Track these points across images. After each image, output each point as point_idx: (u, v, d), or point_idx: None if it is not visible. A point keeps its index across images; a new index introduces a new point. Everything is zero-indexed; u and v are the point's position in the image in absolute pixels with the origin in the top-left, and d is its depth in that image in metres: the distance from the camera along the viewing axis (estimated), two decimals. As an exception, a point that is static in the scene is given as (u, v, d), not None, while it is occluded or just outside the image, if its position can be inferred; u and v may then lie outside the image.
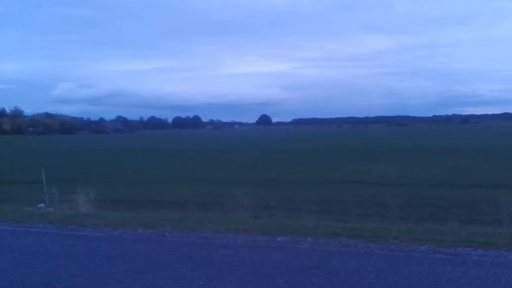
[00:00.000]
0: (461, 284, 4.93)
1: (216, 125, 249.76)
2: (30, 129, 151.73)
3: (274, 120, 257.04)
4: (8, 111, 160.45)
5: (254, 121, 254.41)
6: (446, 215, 10.47)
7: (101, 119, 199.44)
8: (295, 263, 5.84)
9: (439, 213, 12.22)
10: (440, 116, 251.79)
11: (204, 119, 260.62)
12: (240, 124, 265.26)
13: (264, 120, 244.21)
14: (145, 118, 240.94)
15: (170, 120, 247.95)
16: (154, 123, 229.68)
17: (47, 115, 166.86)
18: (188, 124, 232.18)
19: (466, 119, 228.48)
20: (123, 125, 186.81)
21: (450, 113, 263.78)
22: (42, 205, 11.72)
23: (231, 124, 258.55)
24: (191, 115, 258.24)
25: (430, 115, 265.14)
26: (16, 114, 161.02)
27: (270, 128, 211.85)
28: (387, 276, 5.24)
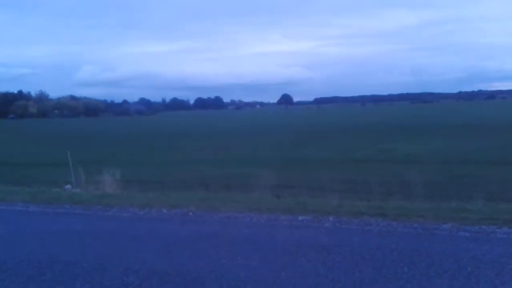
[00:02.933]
0: (485, 262, 4.88)
1: (238, 105, 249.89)
2: (56, 112, 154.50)
3: (295, 99, 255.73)
4: (33, 95, 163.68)
5: (275, 100, 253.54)
6: (471, 193, 10.33)
7: (125, 101, 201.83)
8: (317, 242, 5.87)
9: (464, 190, 12.08)
10: (465, 92, 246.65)
11: (226, 99, 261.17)
12: (261, 104, 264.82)
13: (286, 99, 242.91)
14: (167, 99, 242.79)
15: (192, 101, 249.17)
16: (176, 105, 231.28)
17: (72, 98, 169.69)
18: (210, 105, 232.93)
19: (492, 95, 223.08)
20: (146, 107, 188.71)
21: (476, 89, 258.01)
22: (68, 186, 11.99)
23: (253, 104, 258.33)
24: (212, 96, 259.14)
25: (456, 91, 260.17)
26: (42, 98, 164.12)
27: (292, 107, 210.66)
28: (410, 254, 5.22)
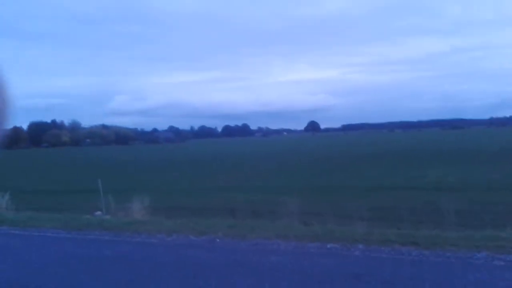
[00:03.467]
0: (523, 293, 4.70)
1: (265, 132, 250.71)
2: (88, 140, 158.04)
3: (322, 126, 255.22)
4: (66, 124, 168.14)
5: (302, 127, 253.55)
6: (506, 221, 10.01)
7: (154, 130, 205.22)
8: (347, 270, 5.76)
9: (498, 219, 11.69)
10: (497, 118, 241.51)
11: (253, 126, 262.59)
12: (288, 131, 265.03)
13: (313, 126, 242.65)
14: (196, 127, 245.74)
15: (219, 129, 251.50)
16: (204, 132, 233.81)
17: (103, 126, 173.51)
18: (237, 132, 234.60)
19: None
20: (174, 135, 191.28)
21: (508, 115, 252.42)
22: (99, 212, 12.17)
23: (279, 131, 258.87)
24: (240, 123, 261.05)
25: (487, 117, 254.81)
26: (74, 127, 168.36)
27: (319, 135, 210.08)
28: (443, 284, 5.07)
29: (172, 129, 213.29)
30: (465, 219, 11.02)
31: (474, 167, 31.25)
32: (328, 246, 7.02)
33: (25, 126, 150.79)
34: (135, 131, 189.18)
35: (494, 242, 6.59)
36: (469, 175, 26.49)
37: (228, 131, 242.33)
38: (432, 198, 15.92)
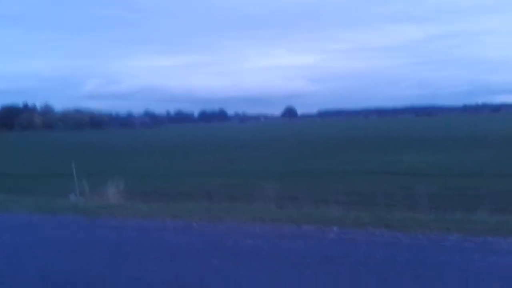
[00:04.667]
0: (491, 273, 4.83)
1: (242, 117, 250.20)
2: (60, 124, 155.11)
3: (299, 112, 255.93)
4: (38, 107, 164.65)
5: (279, 113, 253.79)
6: (477, 205, 10.25)
7: (129, 114, 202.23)
8: (321, 252, 5.83)
9: (470, 202, 11.97)
10: (470, 105, 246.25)
11: (230, 112, 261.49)
12: (265, 116, 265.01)
13: (290, 112, 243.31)
14: (172, 112, 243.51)
15: (196, 114, 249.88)
16: (181, 117, 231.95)
17: (76, 110, 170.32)
18: (214, 118, 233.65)
19: (497, 108, 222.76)
20: (150, 120, 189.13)
21: (480, 102, 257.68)
22: (73, 196, 11.99)
23: (257, 117, 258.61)
24: (217, 108, 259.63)
25: (460, 104, 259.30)
26: (47, 110, 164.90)
27: (296, 120, 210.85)
28: (415, 265, 5.17)
29: (148, 114, 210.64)
30: (438, 202, 11.25)
31: (447, 153, 31.91)
32: (304, 228, 7.08)
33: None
34: (109, 115, 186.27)
35: (465, 225, 6.75)
36: (442, 161, 27.05)
37: (205, 116, 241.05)
38: (406, 183, 16.21)
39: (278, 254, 5.79)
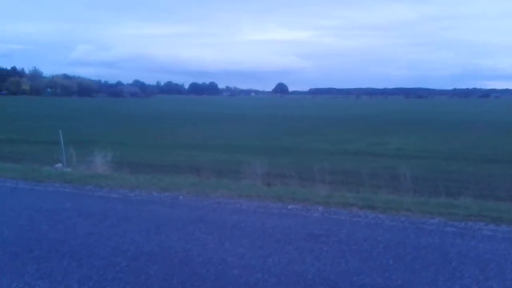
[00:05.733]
0: (471, 258, 4.95)
1: (232, 92, 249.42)
2: (49, 90, 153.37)
3: (290, 89, 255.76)
4: (27, 72, 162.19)
5: (270, 89, 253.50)
6: (460, 189, 10.44)
7: (119, 83, 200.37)
8: (306, 230, 5.92)
9: (454, 187, 12.17)
10: (460, 90, 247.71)
11: (221, 85, 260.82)
12: (256, 92, 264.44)
13: (281, 88, 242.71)
14: (162, 83, 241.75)
15: (186, 86, 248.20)
16: (171, 88, 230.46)
17: (65, 76, 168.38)
18: (205, 91, 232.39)
19: (487, 93, 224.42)
20: (140, 89, 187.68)
21: (470, 87, 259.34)
22: (59, 165, 11.96)
23: (247, 92, 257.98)
24: (207, 81, 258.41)
25: (450, 88, 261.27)
26: (35, 75, 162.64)
27: (287, 97, 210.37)
28: (396, 247, 5.28)
29: (137, 83, 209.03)
30: (422, 186, 11.41)
31: (435, 136, 32.19)
32: (289, 207, 7.17)
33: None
34: (98, 83, 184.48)
35: (448, 209, 6.88)
36: (429, 144, 27.30)
37: (195, 88, 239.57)
38: (392, 164, 16.36)
39: (263, 231, 5.87)
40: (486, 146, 25.61)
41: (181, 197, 7.86)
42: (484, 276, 4.47)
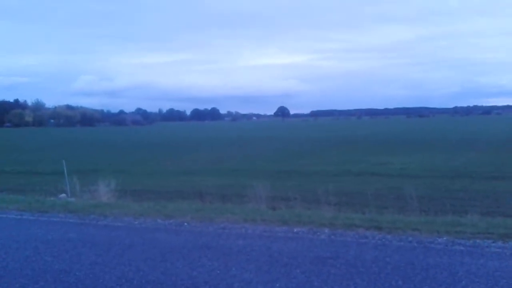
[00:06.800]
0: (480, 276, 4.89)
1: (234, 116, 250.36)
2: (52, 121, 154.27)
3: (292, 111, 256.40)
4: (30, 104, 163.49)
5: (272, 112, 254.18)
6: (466, 207, 10.37)
7: (121, 111, 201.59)
8: (312, 253, 5.86)
9: (459, 205, 12.10)
10: (461, 107, 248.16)
11: (222, 111, 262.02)
12: (257, 115, 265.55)
13: (282, 111, 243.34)
14: (164, 110, 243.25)
15: (188, 112, 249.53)
16: (173, 115, 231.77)
17: (68, 107, 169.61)
18: (206, 116, 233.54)
19: (488, 111, 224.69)
20: (142, 117, 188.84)
21: (471, 104, 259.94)
22: (63, 195, 11.95)
23: (249, 116, 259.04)
24: (209, 107, 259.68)
25: (451, 106, 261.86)
26: (38, 107, 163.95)
27: (288, 120, 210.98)
28: (405, 267, 5.22)
29: (139, 111, 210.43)
30: (427, 205, 11.35)
31: (437, 154, 32.10)
32: (295, 230, 7.13)
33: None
34: (101, 112, 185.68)
35: (455, 228, 6.82)
36: (432, 163, 27.20)
37: (197, 114, 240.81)
38: (397, 184, 16.31)
39: (269, 255, 5.82)
40: (490, 163, 25.51)
41: (185, 223, 7.82)
42: (495, 295, 4.40)
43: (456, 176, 20.84)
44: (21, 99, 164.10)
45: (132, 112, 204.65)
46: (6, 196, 11.52)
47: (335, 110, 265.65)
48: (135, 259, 5.76)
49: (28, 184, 19.12)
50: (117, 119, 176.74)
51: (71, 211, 9.09)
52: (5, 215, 9.02)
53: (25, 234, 7.45)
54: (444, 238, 6.37)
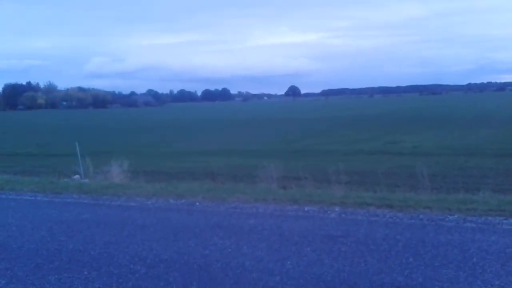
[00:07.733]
0: (491, 253, 4.88)
1: (245, 97, 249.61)
2: (64, 103, 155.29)
3: (303, 91, 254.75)
4: (42, 86, 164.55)
5: (283, 92, 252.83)
6: (479, 185, 10.30)
7: (132, 93, 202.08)
8: (323, 232, 5.89)
9: (472, 182, 12.03)
10: (475, 84, 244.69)
11: (233, 91, 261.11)
12: (268, 95, 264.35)
13: (293, 91, 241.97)
14: (175, 91, 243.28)
15: (199, 93, 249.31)
16: (184, 96, 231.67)
17: (80, 89, 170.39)
18: (217, 97, 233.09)
19: (502, 87, 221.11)
20: (153, 99, 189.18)
21: (485, 81, 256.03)
22: (77, 176, 12.09)
23: (260, 96, 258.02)
24: (220, 87, 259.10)
25: (465, 83, 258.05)
26: (50, 89, 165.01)
27: (299, 99, 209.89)
28: (416, 245, 5.23)
29: (150, 93, 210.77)
30: (439, 183, 11.31)
31: (450, 132, 31.82)
32: (306, 209, 7.15)
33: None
34: (112, 94, 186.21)
35: (466, 205, 6.80)
36: (446, 140, 27.00)
37: (208, 95, 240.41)
38: (409, 163, 16.21)
39: (280, 234, 5.86)
40: (504, 140, 25.24)
41: (197, 203, 7.88)
42: (506, 271, 4.41)
43: (469, 153, 20.66)
44: (33, 82, 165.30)
45: (143, 94, 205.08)
46: (20, 178, 11.69)
47: (347, 89, 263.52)
48: (148, 239, 5.85)
49: (42, 166, 19.37)
50: (128, 100, 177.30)
51: (85, 192, 9.20)
52: (20, 196, 9.18)
53: (39, 215, 7.58)
54: (456, 216, 6.35)
